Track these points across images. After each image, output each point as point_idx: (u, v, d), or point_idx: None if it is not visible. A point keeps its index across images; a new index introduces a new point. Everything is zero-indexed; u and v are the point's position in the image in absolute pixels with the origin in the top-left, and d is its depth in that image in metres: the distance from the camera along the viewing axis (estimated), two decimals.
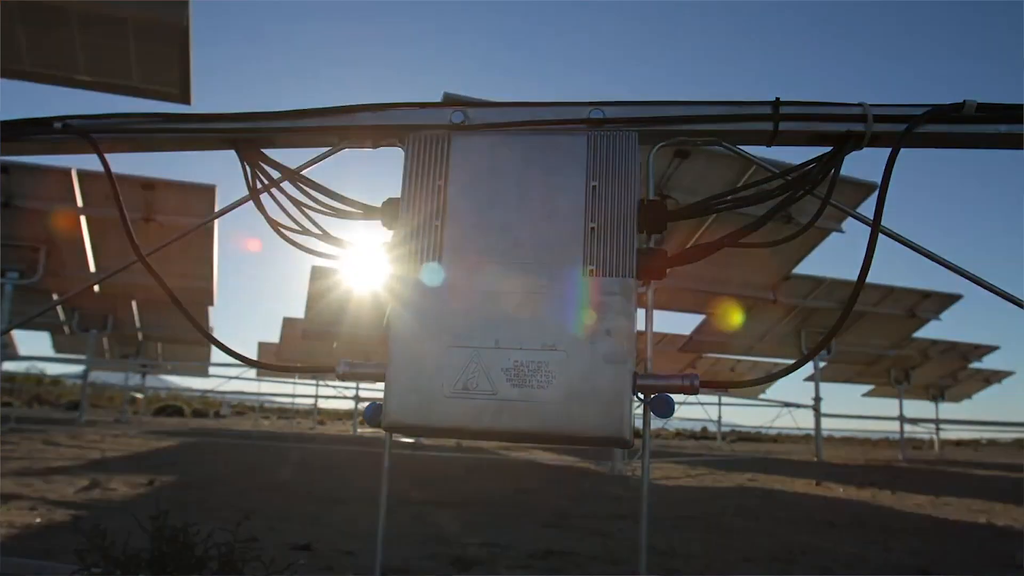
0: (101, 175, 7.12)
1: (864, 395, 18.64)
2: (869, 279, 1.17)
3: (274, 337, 18.53)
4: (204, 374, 17.78)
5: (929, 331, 12.92)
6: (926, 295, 11.54)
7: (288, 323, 17.03)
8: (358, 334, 16.19)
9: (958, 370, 16.14)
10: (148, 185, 7.01)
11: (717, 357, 19.68)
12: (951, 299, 11.76)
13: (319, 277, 11.96)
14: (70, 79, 2.84)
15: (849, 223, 7.17)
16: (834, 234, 7.32)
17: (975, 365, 16.21)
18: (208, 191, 7.38)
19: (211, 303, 8.92)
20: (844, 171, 1.24)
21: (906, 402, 15.70)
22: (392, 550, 2.69)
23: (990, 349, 15.41)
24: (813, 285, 10.77)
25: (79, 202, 7.20)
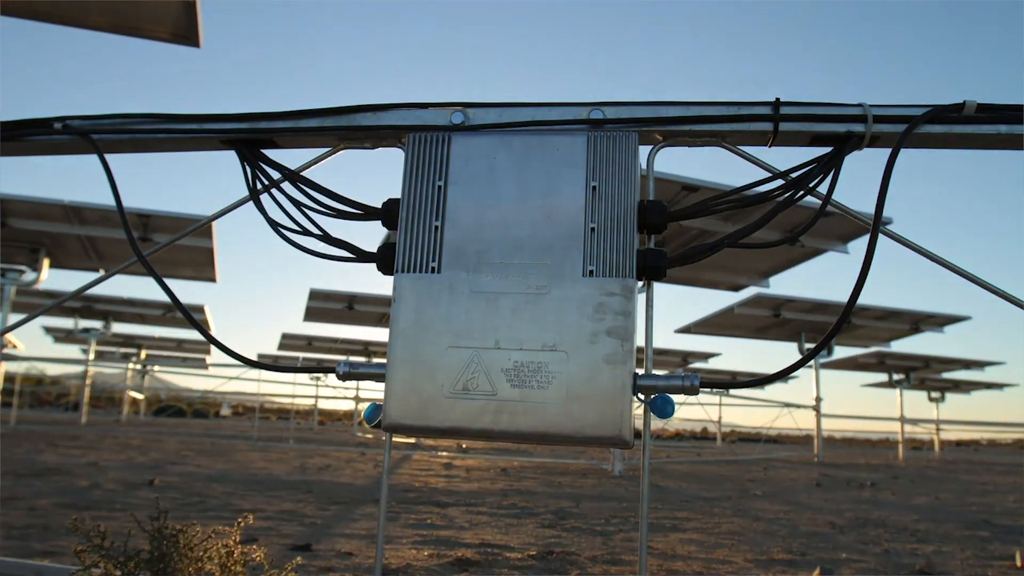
0: (94, 207, 7.16)
1: (864, 385, 18.71)
2: (875, 294, 1.17)
3: (271, 350, 18.79)
4: (205, 367, 17.90)
5: (934, 347, 12.88)
6: (930, 316, 11.47)
7: (287, 337, 17.23)
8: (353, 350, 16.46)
9: (959, 368, 16.14)
10: (144, 216, 7.02)
11: (716, 367, 19.80)
12: (956, 319, 11.71)
13: (317, 297, 12.32)
14: (79, 20, 2.82)
15: (853, 245, 7.11)
16: (840, 257, 7.17)
17: (977, 374, 16.20)
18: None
19: (213, 279, 8.90)
20: (843, 192, 1.23)
21: (907, 401, 15.73)
22: (392, 550, 2.69)
23: (995, 363, 15.39)
24: (817, 306, 10.89)
25: (75, 220, 7.27)
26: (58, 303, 1.56)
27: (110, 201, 1.37)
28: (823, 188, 1.20)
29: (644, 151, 1.23)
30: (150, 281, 1.38)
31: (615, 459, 7.28)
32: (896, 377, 16.00)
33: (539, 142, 1.19)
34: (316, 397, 15.68)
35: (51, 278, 8.24)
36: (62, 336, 16.89)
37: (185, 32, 2.85)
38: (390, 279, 1.17)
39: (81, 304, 13.17)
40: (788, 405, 14.11)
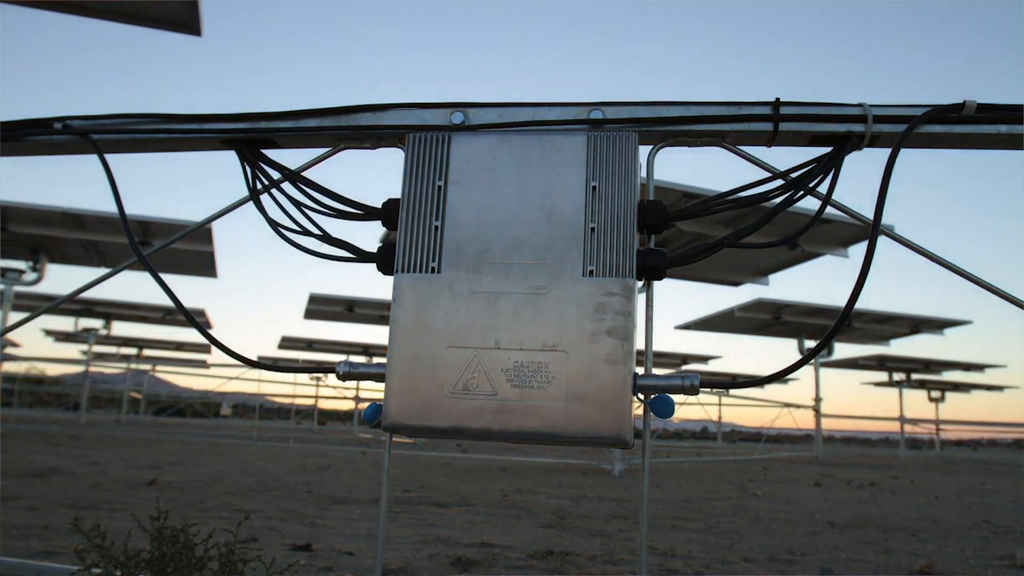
0: (93, 213, 7.20)
1: (864, 383, 18.76)
2: (875, 297, 1.17)
3: (271, 352, 18.91)
4: (205, 367, 17.95)
5: (936, 350, 12.93)
6: (929, 320, 11.46)
7: (286, 340, 17.23)
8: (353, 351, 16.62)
9: (959, 371, 16.13)
10: (144, 222, 7.03)
11: (716, 370, 19.87)
12: (956, 323, 11.69)
13: (316, 302, 12.39)
14: (75, 7, 2.79)
15: (853, 249, 7.12)
16: (840, 260, 7.15)
17: (977, 376, 16.19)
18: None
19: (214, 275, 8.91)
20: (843, 193, 1.22)
21: (907, 401, 15.78)
22: (392, 550, 2.69)
23: (995, 366, 15.39)
24: (817, 310, 10.92)
25: (74, 226, 7.30)
26: (58, 303, 1.56)
27: (109, 203, 1.37)
28: (823, 188, 1.20)
29: (644, 151, 1.23)
30: (151, 285, 1.38)
31: (615, 459, 7.28)
32: (897, 377, 16.02)
33: (539, 142, 1.19)
34: (316, 397, 15.68)
35: (51, 278, 8.26)
36: (62, 336, 16.90)
37: (185, 19, 2.82)
38: (390, 279, 1.17)
39: (81, 307, 13.18)
40: (788, 405, 14.12)
